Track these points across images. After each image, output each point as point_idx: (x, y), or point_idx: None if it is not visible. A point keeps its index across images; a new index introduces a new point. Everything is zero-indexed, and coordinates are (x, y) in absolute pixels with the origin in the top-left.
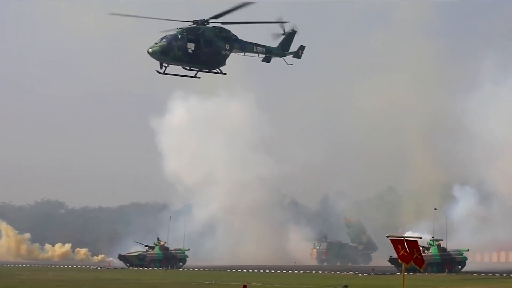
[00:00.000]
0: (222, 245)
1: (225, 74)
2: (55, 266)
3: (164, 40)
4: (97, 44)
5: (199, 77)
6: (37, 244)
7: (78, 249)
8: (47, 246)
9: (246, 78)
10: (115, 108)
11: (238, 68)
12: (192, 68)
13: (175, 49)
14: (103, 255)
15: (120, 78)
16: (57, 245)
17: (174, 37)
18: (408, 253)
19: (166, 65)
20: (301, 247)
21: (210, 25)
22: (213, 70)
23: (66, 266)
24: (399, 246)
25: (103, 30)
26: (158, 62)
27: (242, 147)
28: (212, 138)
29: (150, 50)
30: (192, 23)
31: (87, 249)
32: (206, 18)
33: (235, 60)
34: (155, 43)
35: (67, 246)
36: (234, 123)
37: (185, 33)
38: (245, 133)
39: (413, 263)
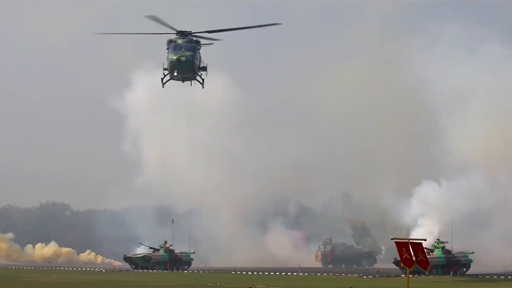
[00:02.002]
0: (212, 246)
1: (203, 88)
2: (49, 268)
3: (188, 49)
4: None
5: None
6: (17, 245)
7: (61, 248)
8: (29, 246)
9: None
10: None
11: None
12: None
13: (197, 59)
14: (90, 253)
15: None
16: (38, 245)
17: (194, 48)
18: (411, 256)
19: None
20: (286, 247)
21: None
22: (197, 80)
23: (53, 268)
24: (403, 249)
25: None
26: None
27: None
28: (204, 133)
29: (182, 58)
30: (175, 34)
31: (71, 248)
32: (189, 30)
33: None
34: (182, 52)
35: (51, 246)
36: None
37: (197, 44)
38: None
39: (418, 265)
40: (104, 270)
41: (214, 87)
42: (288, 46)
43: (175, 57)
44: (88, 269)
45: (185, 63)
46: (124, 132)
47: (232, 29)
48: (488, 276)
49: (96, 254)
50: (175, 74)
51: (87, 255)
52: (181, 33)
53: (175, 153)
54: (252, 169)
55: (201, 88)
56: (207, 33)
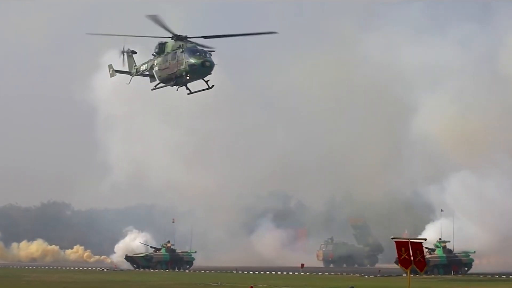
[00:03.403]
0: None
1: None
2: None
3: (209, 54)
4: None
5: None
6: (1, 242)
7: (48, 246)
8: (17, 244)
9: None
10: None
11: None
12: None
13: None
14: (78, 248)
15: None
16: (23, 243)
17: (209, 53)
18: (410, 257)
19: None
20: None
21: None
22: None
23: (43, 268)
24: (402, 249)
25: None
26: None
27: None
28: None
29: (207, 63)
30: (171, 38)
31: (56, 246)
32: (184, 34)
33: None
34: (204, 56)
35: (38, 244)
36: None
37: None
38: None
39: (414, 266)
40: (105, 270)
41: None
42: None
43: (199, 61)
44: (90, 268)
45: (209, 68)
46: (115, 133)
47: (227, 36)
48: (489, 276)
49: (90, 251)
50: (188, 78)
51: (75, 252)
52: (177, 37)
53: (173, 153)
54: (249, 167)
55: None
56: (202, 39)
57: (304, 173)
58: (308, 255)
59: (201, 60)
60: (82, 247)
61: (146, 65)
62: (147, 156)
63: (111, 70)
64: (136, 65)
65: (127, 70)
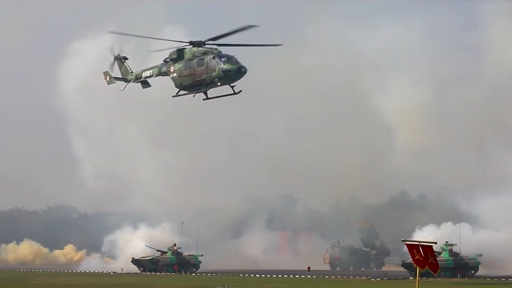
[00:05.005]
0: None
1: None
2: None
3: (235, 60)
4: None
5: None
6: None
7: (40, 248)
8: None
9: None
10: None
11: None
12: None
13: None
14: (69, 248)
15: None
16: (11, 245)
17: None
18: (423, 258)
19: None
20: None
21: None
22: (204, 92)
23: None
24: (414, 251)
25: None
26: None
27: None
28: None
29: (243, 69)
30: (188, 44)
31: (47, 249)
32: (202, 39)
33: None
34: (239, 63)
35: (30, 245)
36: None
37: None
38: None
39: (428, 268)
40: (112, 273)
41: None
42: None
43: (235, 67)
44: (96, 271)
45: (243, 74)
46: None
47: (243, 45)
48: (496, 279)
49: (85, 252)
50: (219, 84)
51: (65, 254)
52: (194, 43)
53: (173, 156)
54: (250, 168)
55: (204, 98)
56: (218, 45)
57: (307, 175)
58: (312, 258)
59: (237, 66)
60: (75, 248)
61: (150, 71)
62: (148, 159)
63: (107, 77)
64: (132, 71)
65: (124, 77)
